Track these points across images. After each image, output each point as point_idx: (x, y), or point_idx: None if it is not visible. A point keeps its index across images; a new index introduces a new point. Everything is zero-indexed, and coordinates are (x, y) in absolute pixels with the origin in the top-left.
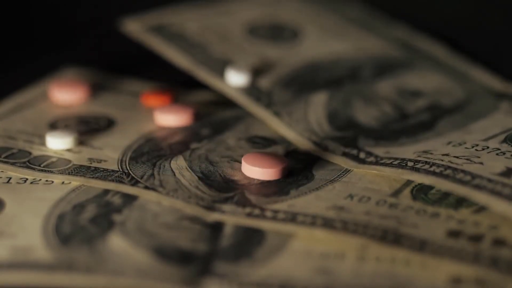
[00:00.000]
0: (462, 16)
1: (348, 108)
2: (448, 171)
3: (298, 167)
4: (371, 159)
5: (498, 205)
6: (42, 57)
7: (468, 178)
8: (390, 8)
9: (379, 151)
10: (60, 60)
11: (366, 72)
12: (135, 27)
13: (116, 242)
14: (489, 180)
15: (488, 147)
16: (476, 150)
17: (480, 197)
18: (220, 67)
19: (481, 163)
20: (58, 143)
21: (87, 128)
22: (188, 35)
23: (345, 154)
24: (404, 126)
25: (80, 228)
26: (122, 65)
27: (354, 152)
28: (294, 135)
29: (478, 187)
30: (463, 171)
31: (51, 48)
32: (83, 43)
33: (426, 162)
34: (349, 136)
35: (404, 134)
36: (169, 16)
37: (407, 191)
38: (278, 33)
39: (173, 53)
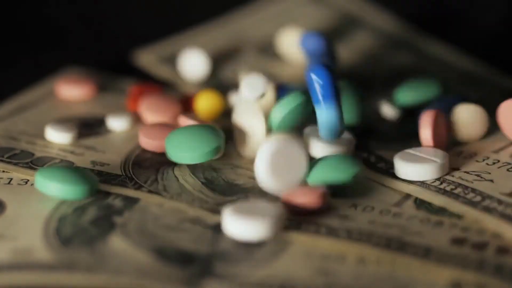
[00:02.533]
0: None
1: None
2: (459, 190)
3: None
4: (381, 164)
5: (508, 231)
6: (32, 57)
7: (478, 198)
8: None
9: (390, 155)
10: (50, 60)
11: (379, 83)
12: (148, 59)
13: (117, 243)
14: (499, 202)
15: (498, 161)
16: (487, 164)
17: (491, 221)
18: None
19: (491, 181)
20: (58, 137)
21: (90, 130)
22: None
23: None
24: (415, 128)
25: (81, 230)
26: (114, 65)
27: (365, 155)
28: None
29: (488, 209)
30: (473, 190)
31: (40, 49)
32: (72, 43)
33: (436, 178)
34: (359, 140)
35: (415, 136)
36: (181, 45)
37: (410, 201)
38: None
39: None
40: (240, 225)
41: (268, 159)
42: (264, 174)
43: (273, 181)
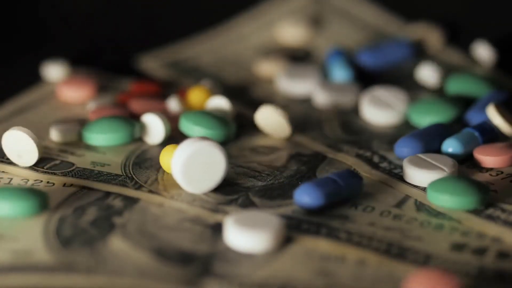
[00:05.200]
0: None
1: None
2: None
3: (302, 170)
4: (384, 164)
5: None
6: (32, 57)
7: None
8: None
9: (393, 156)
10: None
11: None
12: (152, 64)
13: (117, 244)
14: (503, 210)
15: (502, 172)
16: (490, 175)
17: (493, 229)
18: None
19: (495, 191)
20: (61, 135)
21: None
22: (203, 70)
23: (358, 156)
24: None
25: (80, 231)
26: (115, 66)
27: (368, 154)
28: (307, 140)
29: (491, 218)
30: None
31: (40, 49)
32: (73, 44)
33: None
34: (363, 140)
35: None
36: (184, 51)
37: (411, 202)
38: (291, 53)
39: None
40: (241, 237)
41: (183, 161)
42: (179, 176)
43: (189, 183)
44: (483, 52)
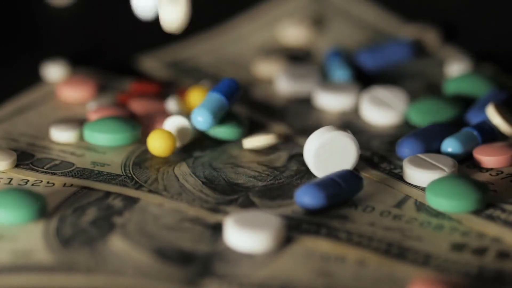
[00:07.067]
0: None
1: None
2: None
3: (302, 170)
4: (384, 164)
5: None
6: (32, 57)
7: None
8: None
9: (393, 156)
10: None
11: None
12: (152, 65)
13: (117, 244)
14: (503, 210)
15: (502, 172)
16: (490, 175)
17: (493, 229)
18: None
19: (495, 191)
20: (63, 136)
21: None
22: (203, 70)
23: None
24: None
25: (81, 231)
26: (115, 67)
27: (368, 154)
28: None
29: (491, 218)
30: None
31: (39, 49)
32: (72, 44)
33: None
34: (363, 140)
35: None
36: (184, 51)
37: (411, 202)
38: (291, 53)
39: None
40: (241, 237)
41: (315, 149)
42: (311, 163)
43: (320, 169)
44: (457, 67)
